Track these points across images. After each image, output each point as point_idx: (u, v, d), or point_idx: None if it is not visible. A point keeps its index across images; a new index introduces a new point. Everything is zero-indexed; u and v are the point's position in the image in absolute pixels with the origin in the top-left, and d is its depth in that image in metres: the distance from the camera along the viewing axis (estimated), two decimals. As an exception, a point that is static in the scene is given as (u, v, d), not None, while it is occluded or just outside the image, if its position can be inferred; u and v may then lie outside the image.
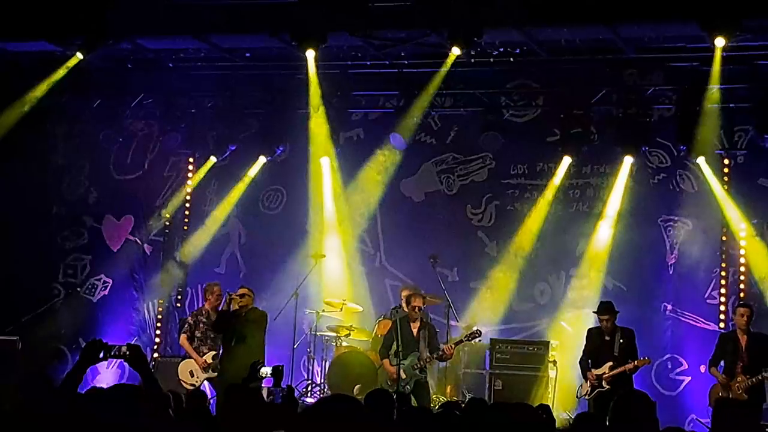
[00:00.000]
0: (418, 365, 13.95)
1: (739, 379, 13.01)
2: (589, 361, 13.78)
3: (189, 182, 18.01)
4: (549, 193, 16.42)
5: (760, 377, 12.97)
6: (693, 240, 15.91)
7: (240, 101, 17.30)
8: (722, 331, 15.23)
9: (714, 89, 15.29)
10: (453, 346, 14.17)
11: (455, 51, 14.55)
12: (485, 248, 16.84)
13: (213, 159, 17.50)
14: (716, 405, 6.98)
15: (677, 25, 14.33)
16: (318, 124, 16.36)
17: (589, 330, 14.12)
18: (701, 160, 15.59)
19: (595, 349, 13.82)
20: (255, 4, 14.69)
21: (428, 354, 14.01)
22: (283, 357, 15.34)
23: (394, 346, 14.05)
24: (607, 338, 13.75)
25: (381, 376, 14.49)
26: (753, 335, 13.26)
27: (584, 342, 14.04)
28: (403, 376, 13.97)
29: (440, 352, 14.04)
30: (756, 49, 14.86)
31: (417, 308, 14.12)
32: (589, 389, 13.70)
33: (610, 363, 13.61)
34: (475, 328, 14.39)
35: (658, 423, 6.30)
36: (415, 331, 14.16)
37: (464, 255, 16.81)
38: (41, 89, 16.39)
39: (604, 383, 13.55)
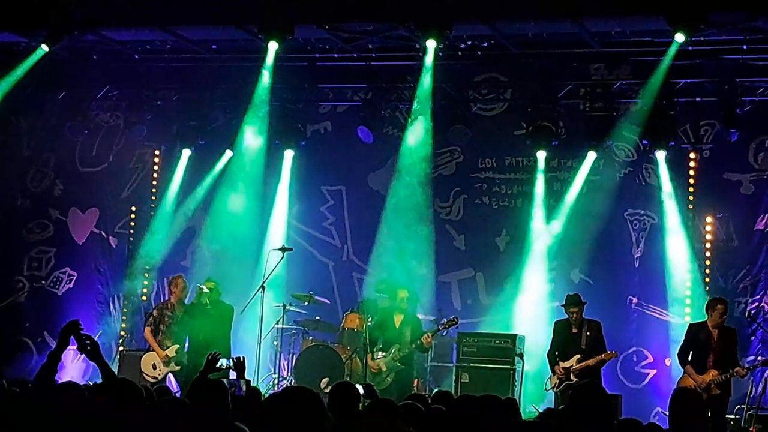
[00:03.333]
0: (398, 356, 14.02)
1: (712, 373, 13.02)
2: (557, 353, 13.84)
3: (154, 174, 17.94)
4: (519, 187, 16.48)
5: (732, 372, 13.02)
6: (658, 234, 15.99)
7: (206, 94, 17.22)
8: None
9: (680, 83, 15.43)
10: (430, 335, 14.21)
11: (431, 44, 14.51)
12: (453, 242, 16.86)
13: (187, 151, 17.39)
14: (675, 393, 6.99)
15: (644, 19, 14.38)
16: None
17: (556, 322, 14.16)
18: (660, 154, 15.67)
19: (563, 341, 13.86)
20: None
21: (408, 345, 14.09)
22: (250, 350, 15.28)
23: (363, 341, 14.14)
24: (574, 331, 13.79)
25: (354, 369, 14.58)
26: (723, 329, 13.30)
27: (552, 335, 14.11)
28: (384, 368, 14.06)
29: (418, 342, 14.09)
30: (722, 44, 14.94)
31: (403, 299, 14.25)
32: (557, 382, 13.74)
33: (578, 356, 13.65)
34: (452, 317, 14.45)
35: (615, 413, 6.33)
36: (397, 324, 14.25)
37: (432, 248, 16.80)
38: (7, 82, 16.24)
39: (571, 376, 13.58)
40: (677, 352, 13.54)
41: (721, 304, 13.30)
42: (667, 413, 6.65)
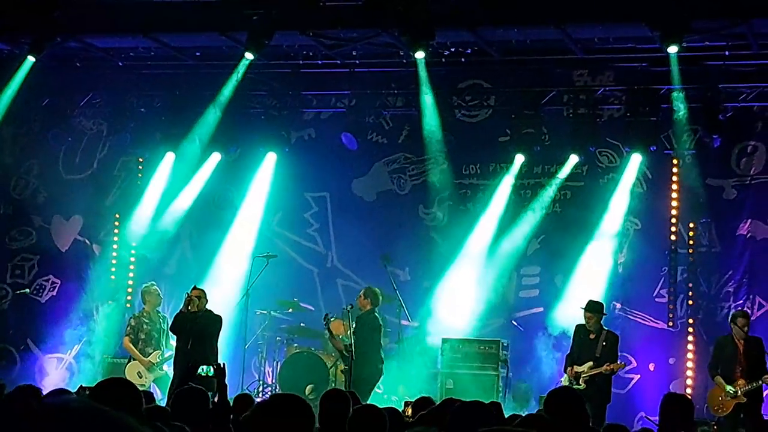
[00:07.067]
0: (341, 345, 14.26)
1: (739, 383, 13.21)
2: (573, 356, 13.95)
3: (138, 182, 17.89)
4: (501, 194, 16.47)
5: (761, 381, 13.20)
6: (641, 239, 16.04)
7: (190, 100, 17.18)
8: (672, 330, 15.41)
9: (663, 90, 15.49)
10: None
11: (419, 55, 14.54)
12: (438, 248, 16.86)
13: (171, 154, 17.32)
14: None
15: (626, 26, 14.45)
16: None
17: (577, 326, 14.11)
18: (635, 157, 15.71)
19: (580, 346, 13.91)
20: (205, 2, 14.60)
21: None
22: (234, 358, 15.27)
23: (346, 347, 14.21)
24: (591, 337, 13.81)
25: (339, 376, 14.62)
26: (748, 339, 13.45)
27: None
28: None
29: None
30: (704, 50, 15.01)
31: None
32: (566, 385, 13.79)
33: (590, 363, 13.69)
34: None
35: (589, 418, 6.38)
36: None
37: (416, 255, 16.81)
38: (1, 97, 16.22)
39: (580, 381, 13.60)
40: (707, 365, 13.79)
41: (743, 317, 13.59)
42: (653, 418, 6.72)
